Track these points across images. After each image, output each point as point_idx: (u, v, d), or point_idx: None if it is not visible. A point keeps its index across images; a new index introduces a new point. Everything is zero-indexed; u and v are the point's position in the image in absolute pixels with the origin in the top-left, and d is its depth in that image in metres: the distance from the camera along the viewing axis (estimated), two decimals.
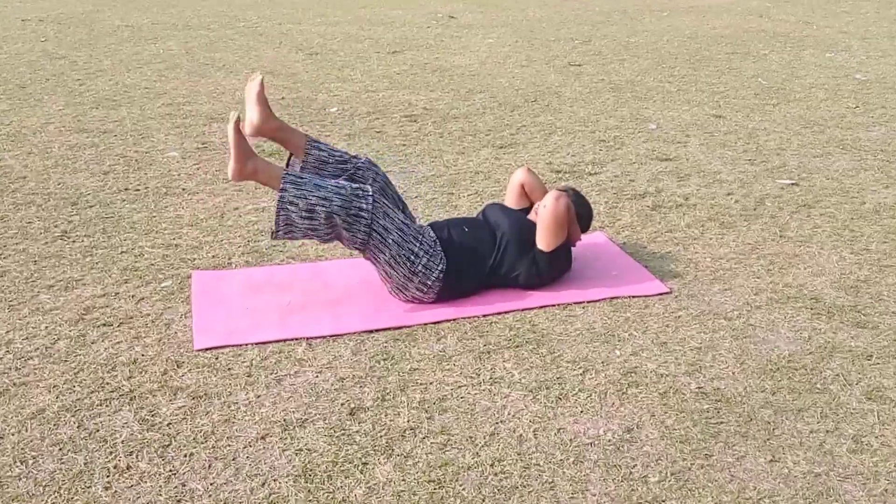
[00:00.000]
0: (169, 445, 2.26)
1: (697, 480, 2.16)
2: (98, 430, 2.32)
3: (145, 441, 2.28)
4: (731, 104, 6.04)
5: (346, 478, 2.15)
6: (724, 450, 2.28)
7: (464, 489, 2.12)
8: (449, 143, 5.04)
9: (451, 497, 2.09)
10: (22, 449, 2.24)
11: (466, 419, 2.40)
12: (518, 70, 7.13)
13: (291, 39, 8.48)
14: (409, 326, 2.91)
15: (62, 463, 2.19)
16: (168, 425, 2.35)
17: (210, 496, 2.08)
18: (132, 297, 3.09)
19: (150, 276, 3.26)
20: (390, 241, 2.97)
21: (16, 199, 4.04)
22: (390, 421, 2.39)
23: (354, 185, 2.97)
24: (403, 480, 2.15)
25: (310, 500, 2.07)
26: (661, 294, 3.16)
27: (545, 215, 3.10)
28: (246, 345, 2.77)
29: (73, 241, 3.56)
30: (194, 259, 3.43)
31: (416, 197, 4.13)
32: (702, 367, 2.68)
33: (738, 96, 6.28)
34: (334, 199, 2.88)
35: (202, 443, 2.27)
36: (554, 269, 3.17)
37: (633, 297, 3.13)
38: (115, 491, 2.09)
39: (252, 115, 3.04)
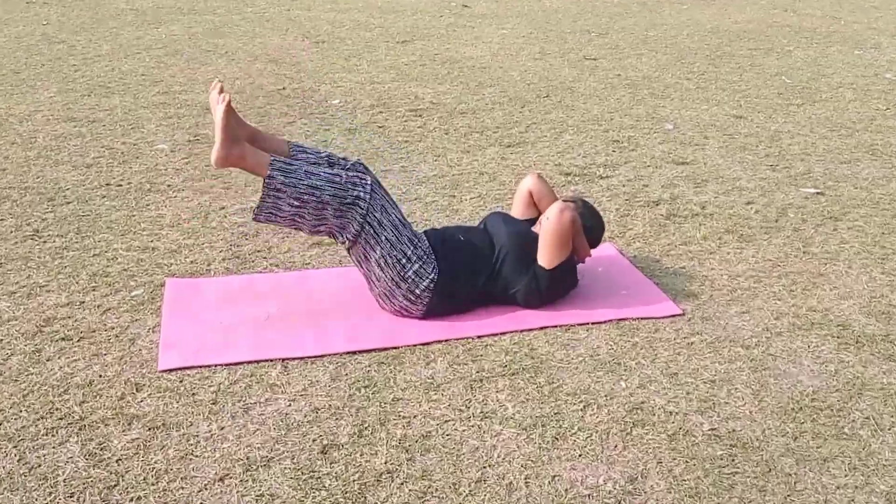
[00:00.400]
0: (115, 486, 2.02)
1: None
2: (40, 466, 2.08)
3: (90, 480, 2.03)
4: (752, 104, 5.73)
5: None
6: None
7: None
8: (454, 140, 4.78)
9: None
10: None
11: (451, 461, 2.15)
12: (531, 63, 6.84)
13: (299, 26, 8.20)
14: (396, 348, 2.66)
15: None
16: (117, 461, 2.10)
17: None
18: (98, 306, 2.85)
19: (121, 283, 3.02)
20: (383, 238, 2.72)
21: None
22: (366, 462, 2.14)
23: (351, 174, 2.72)
24: None
25: None
26: (673, 316, 2.90)
27: (547, 228, 2.84)
28: (215, 366, 2.53)
29: (44, 242, 3.33)
30: (171, 264, 3.18)
31: (414, 199, 3.87)
32: (715, 403, 2.42)
33: (761, 95, 5.97)
34: (326, 187, 2.66)
35: (153, 484, 2.03)
36: (555, 286, 2.90)
37: (643, 318, 2.87)
38: None
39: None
